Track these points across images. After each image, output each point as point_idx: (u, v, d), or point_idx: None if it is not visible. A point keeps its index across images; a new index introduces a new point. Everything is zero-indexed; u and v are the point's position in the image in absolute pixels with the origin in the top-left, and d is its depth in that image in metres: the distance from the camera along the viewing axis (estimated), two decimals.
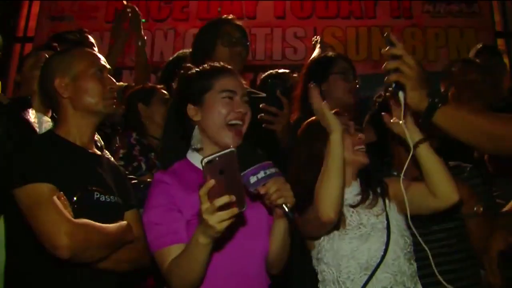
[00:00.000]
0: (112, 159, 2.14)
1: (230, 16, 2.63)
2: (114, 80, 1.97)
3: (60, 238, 1.61)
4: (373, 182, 1.95)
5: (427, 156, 1.80)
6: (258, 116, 2.38)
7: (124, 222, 1.84)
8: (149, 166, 2.67)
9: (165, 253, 1.63)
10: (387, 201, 1.93)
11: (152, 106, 2.93)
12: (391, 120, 1.82)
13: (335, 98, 2.51)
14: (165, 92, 2.97)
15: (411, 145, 1.76)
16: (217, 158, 1.42)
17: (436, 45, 4.67)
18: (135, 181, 2.33)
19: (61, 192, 1.70)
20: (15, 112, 2.14)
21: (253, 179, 1.57)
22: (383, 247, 1.81)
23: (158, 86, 3.07)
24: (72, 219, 1.67)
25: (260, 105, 2.40)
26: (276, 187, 1.58)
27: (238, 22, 2.60)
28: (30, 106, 2.22)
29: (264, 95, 2.56)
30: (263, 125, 2.41)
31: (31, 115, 2.18)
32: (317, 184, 1.76)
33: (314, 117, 1.95)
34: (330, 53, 2.77)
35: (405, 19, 4.76)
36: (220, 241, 1.59)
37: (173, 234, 1.63)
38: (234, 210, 1.42)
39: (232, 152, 1.44)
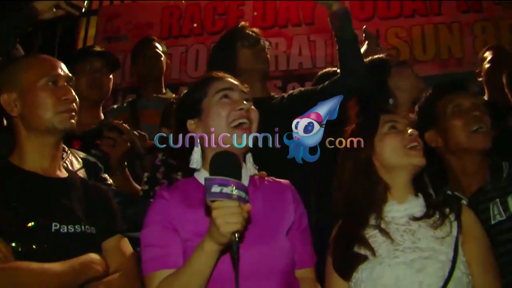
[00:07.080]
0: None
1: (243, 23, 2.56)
2: (72, 90, 1.69)
3: None
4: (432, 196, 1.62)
5: None
6: None
7: (89, 255, 1.59)
8: None
9: (150, 278, 1.46)
10: (455, 226, 1.54)
11: None
12: None
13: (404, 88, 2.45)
14: None
15: None
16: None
17: (511, 38, 4.21)
18: None
19: None
20: None
21: (215, 189, 1.30)
22: (441, 284, 1.42)
23: None
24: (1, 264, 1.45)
25: None
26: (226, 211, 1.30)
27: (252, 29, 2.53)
28: None
29: None
30: None
31: None
32: None
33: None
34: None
35: (475, 13, 4.34)
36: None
37: (163, 258, 1.46)
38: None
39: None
